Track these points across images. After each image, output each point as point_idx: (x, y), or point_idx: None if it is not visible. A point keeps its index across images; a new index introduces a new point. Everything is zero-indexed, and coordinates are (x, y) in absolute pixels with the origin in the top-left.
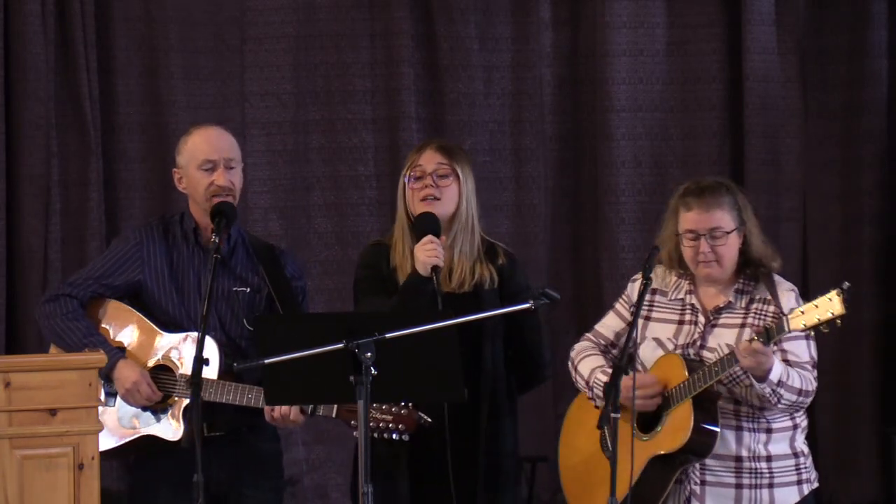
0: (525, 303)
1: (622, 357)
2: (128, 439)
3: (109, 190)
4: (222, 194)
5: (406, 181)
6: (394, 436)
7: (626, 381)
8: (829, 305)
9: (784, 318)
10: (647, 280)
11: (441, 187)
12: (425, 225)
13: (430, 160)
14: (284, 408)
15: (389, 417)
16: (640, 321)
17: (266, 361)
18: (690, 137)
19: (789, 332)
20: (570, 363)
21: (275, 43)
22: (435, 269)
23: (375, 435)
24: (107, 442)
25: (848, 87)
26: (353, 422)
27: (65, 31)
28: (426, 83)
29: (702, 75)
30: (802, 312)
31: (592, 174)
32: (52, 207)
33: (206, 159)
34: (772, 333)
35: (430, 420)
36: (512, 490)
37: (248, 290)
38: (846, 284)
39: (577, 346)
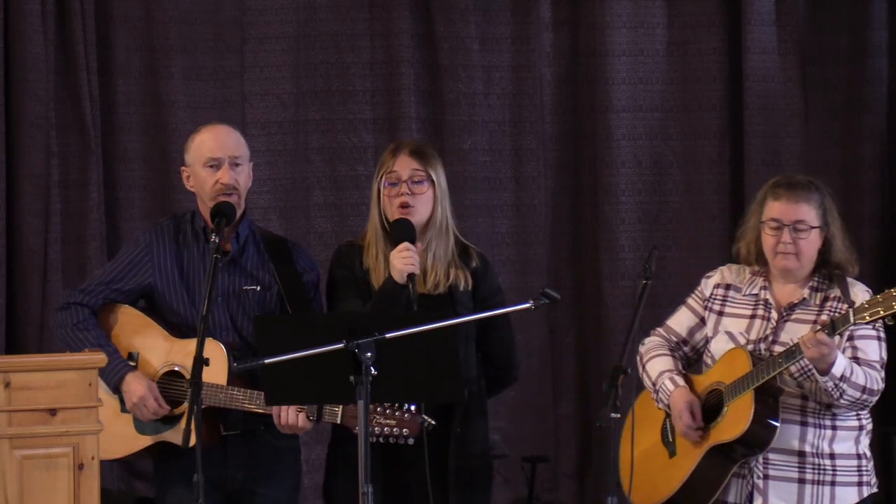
0: (525, 303)
1: (621, 357)
2: (144, 446)
3: (109, 190)
4: (227, 192)
5: (380, 185)
6: (399, 440)
7: (683, 403)
8: (894, 298)
9: (850, 311)
10: (647, 280)
11: (416, 194)
12: (401, 232)
13: (404, 166)
14: (291, 416)
15: (394, 422)
16: (714, 316)
17: (266, 361)
18: (690, 137)
19: (854, 323)
20: (638, 358)
21: (275, 43)
22: (410, 276)
23: (381, 440)
24: (123, 448)
25: (848, 87)
26: (356, 428)
27: (65, 31)
28: (426, 83)
29: (702, 75)
30: (868, 305)
31: (592, 174)
32: (52, 207)
33: (211, 157)
34: (837, 325)
35: (433, 423)
36: (484, 492)
37: (259, 288)
38: None
39: (647, 342)
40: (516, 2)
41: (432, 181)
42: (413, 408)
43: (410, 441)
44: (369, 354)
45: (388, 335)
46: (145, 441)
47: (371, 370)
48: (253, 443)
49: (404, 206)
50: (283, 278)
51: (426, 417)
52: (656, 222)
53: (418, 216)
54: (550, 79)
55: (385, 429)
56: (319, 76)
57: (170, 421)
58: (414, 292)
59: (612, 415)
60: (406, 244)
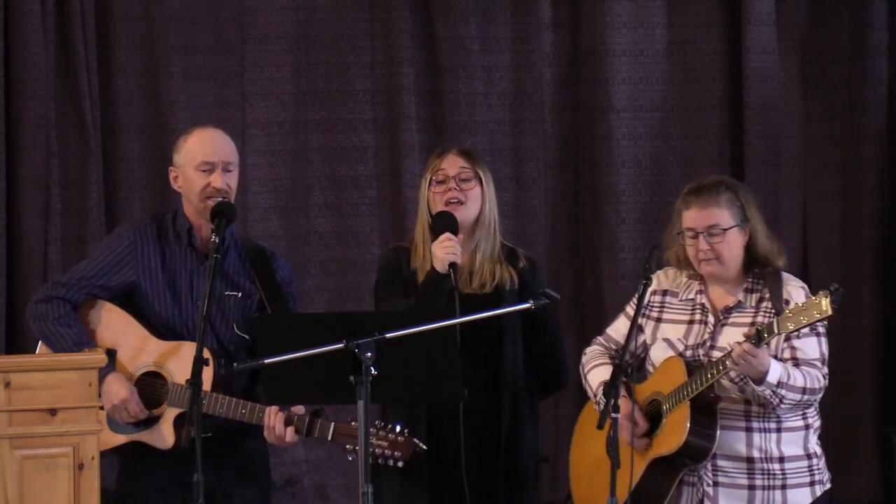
0: (525, 302)
1: (622, 356)
2: (117, 444)
3: (109, 190)
4: (217, 196)
5: (428, 185)
6: (389, 462)
7: (623, 415)
8: (817, 307)
9: (774, 321)
10: (646, 280)
11: (465, 191)
12: (443, 223)
13: (452, 164)
14: (278, 430)
15: (385, 444)
16: (651, 323)
17: (266, 361)
18: (690, 137)
19: (778, 333)
20: (580, 369)
21: (275, 43)
22: (452, 265)
23: (371, 460)
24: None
25: (848, 87)
26: (347, 446)
27: (65, 31)
28: (426, 83)
29: (702, 75)
30: (791, 314)
31: (592, 174)
32: (52, 207)
33: (205, 161)
34: (762, 335)
35: (424, 447)
36: (532, 492)
37: (240, 294)
38: (834, 286)
39: (588, 352)
40: (516, 2)
41: (480, 180)
42: (406, 431)
43: (400, 464)
44: (369, 354)
45: (388, 335)
46: (119, 439)
47: (371, 370)
48: (224, 445)
49: (452, 201)
50: (265, 287)
51: (418, 442)
52: (656, 222)
53: (467, 213)
54: (550, 79)
55: (376, 450)
56: (319, 76)
57: (145, 421)
58: (456, 281)
59: (612, 415)
60: (448, 234)
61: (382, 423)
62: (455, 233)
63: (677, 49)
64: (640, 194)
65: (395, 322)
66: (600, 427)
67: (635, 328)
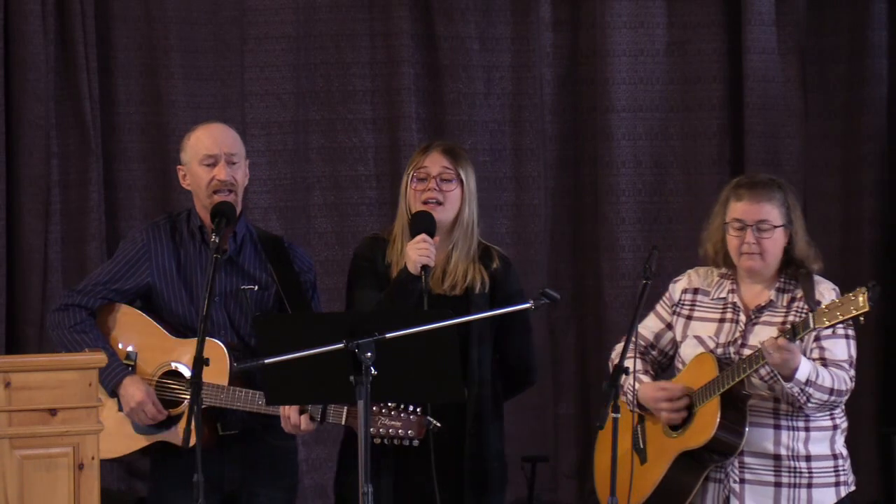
0: (526, 302)
1: (622, 358)
2: (141, 446)
3: (109, 190)
4: (223, 189)
5: (409, 181)
6: (404, 442)
7: (652, 389)
8: (854, 303)
9: (810, 315)
10: (647, 280)
11: (445, 192)
12: (420, 224)
13: (435, 163)
14: (293, 419)
15: (398, 423)
16: (682, 320)
17: (266, 361)
18: (690, 137)
19: (814, 328)
20: (609, 363)
21: (275, 43)
22: (425, 268)
23: (385, 441)
24: (121, 447)
25: (848, 87)
26: None
27: (65, 30)
28: (426, 83)
29: (702, 75)
30: (827, 309)
31: (592, 174)
32: (52, 207)
33: (207, 154)
34: (798, 330)
35: (438, 424)
36: (498, 493)
37: (257, 287)
38: (872, 283)
39: (617, 347)
40: (516, 2)
41: (461, 181)
42: (419, 409)
43: (415, 443)
44: (369, 354)
45: (388, 335)
46: (143, 441)
47: (371, 370)
48: (250, 443)
49: (430, 201)
50: (282, 278)
51: (431, 419)
52: (656, 222)
53: (445, 214)
54: (550, 79)
55: (390, 430)
56: (319, 76)
57: (167, 421)
58: (427, 284)
59: (613, 415)
60: (423, 236)
61: (395, 404)
62: (431, 234)
63: (677, 49)
64: (640, 194)
65: (395, 322)
66: (600, 427)
67: (635, 329)
